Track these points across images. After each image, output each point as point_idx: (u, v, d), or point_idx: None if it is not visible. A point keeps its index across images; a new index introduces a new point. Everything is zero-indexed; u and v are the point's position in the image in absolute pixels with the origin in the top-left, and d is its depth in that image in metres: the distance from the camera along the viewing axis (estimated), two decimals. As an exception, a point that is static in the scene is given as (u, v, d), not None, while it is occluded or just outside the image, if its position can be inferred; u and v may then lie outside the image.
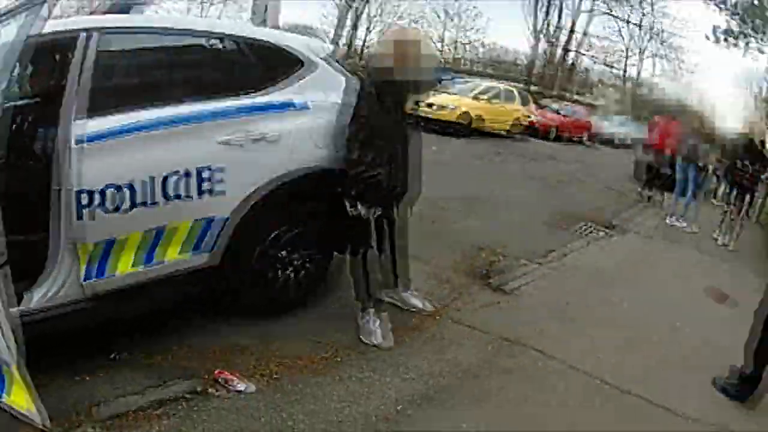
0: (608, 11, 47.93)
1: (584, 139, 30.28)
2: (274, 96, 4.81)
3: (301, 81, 4.98)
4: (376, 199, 4.93)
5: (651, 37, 49.64)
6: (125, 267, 4.17)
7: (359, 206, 4.87)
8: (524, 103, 26.41)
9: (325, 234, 5.26)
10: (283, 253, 5.02)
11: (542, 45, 47.05)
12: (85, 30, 4.04)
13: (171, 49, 4.72)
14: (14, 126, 4.51)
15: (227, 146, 4.46)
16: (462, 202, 10.54)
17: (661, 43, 49.04)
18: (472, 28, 49.29)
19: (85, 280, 3.99)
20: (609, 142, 32.46)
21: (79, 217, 3.85)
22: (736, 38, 16.91)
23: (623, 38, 50.45)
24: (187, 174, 4.25)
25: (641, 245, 10.59)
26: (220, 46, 4.79)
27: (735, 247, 11.55)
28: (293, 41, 5.17)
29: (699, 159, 12.40)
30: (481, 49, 51.74)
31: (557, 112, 29.86)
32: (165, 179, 4.15)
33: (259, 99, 4.72)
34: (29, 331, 3.36)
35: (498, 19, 65.79)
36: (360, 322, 5.12)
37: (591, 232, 10.42)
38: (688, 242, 11.46)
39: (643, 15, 48.01)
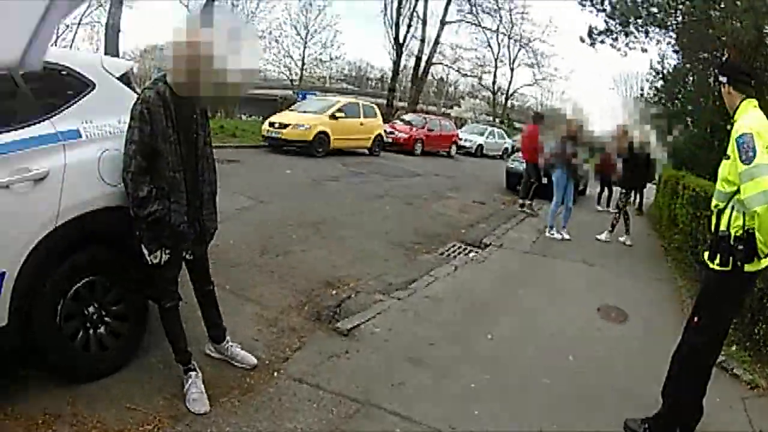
0: (476, 22, 48.43)
1: (451, 152, 29.93)
2: (49, 126, 4.15)
3: (85, 105, 4.42)
4: (160, 241, 4.19)
5: (521, 47, 50.74)
6: None
7: (143, 250, 4.20)
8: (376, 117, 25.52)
9: (126, 284, 4.63)
10: (78, 307, 4.36)
11: (404, 59, 46.31)
12: None
13: None
14: None
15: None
16: (311, 228, 9.58)
17: (530, 52, 50.30)
18: (332, 45, 48.48)
19: None
20: (477, 153, 32.54)
21: None
22: (615, 39, 16.45)
23: (491, 48, 51.30)
24: None
25: (518, 264, 9.55)
26: None
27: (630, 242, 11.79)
28: (79, 60, 4.65)
29: (567, 165, 11.84)
30: (346, 67, 51.69)
31: (415, 125, 29.02)
32: None
33: (33, 130, 4.06)
34: None
35: (362, 35, 66.58)
36: (184, 385, 4.45)
37: (460, 254, 9.46)
38: (572, 254, 10.64)
39: (512, 25, 48.98)
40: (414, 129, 27.93)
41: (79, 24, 42.00)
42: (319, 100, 24.79)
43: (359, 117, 22.56)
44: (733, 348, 5.89)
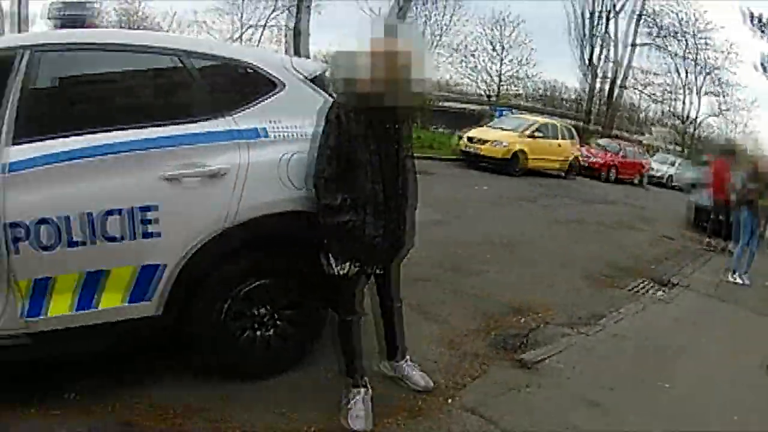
0: (663, 45, 46.91)
1: (638, 180, 29.30)
2: (228, 122, 4.22)
3: (272, 105, 4.40)
4: (350, 254, 4.05)
5: (706, 74, 48.62)
6: (61, 309, 3.88)
7: (330, 260, 4.06)
8: (574, 140, 25.33)
9: (305, 290, 4.55)
10: (246, 309, 4.41)
11: (590, 80, 45.84)
12: (21, 48, 3.90)
13: (111, 66, 4.27)
14: None
15: (168, 182, 3.97)
16: (502, 249, 9.52)
17: (714, 80, 48.06)
18: (528, 62, 48.12)
19: (22, 316, 3.82)
20: (662, 183, 31.57)
21: (9, 251, 3.69)
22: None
23: (679, 74, 49.40)
24: (123, 212, 3.86)
25: (704, 308, 8.98)
26: (171, 63, 4.24)
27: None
28: (266, 59, 4.63)
29: (753, 203, 11.01)
30: (541, 87, 51.14)
31: (610, 150, 28.69)
32: (98, 217, 3.82)
33: (207, 125, 4.16)
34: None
35: (547, 53, 65.61)
36: (342, 399, 4.27)
37: (648, 291, 9.08)
38: (758, 302, 9.83)
39: (698, 49, 47.04)
40: (609, 155, 27.49)
41: (264, 26, 43.62)
42: (516, 118, 24.93)
43: (557, 138, 22.47)
44: None
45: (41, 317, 3.83)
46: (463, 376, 5.08)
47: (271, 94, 4.39)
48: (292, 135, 4.35)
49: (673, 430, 4.85)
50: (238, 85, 4.49)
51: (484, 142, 20.19)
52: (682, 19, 46.72)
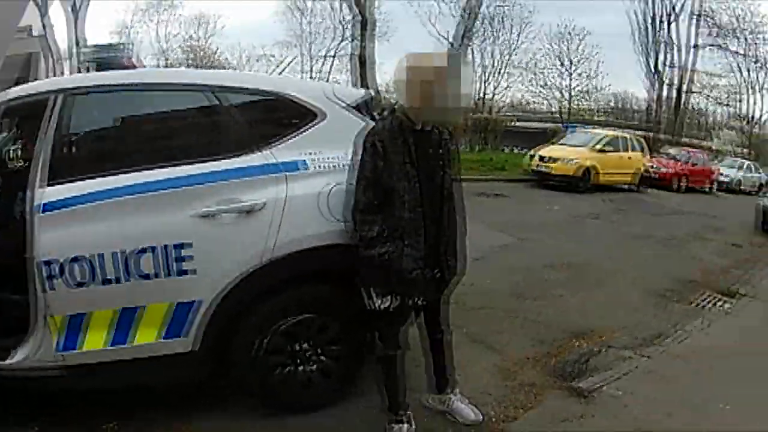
0: (723, 44, 45.66)
1: (709, 188, 28.66)
2: (266, 156, 4.17)
3: (312, 136, 4.30)
4: (389, 287, 3.87)
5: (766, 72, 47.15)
6: (96, 344, 3.96)
7: (370, 294, 3.92)
8: (644, 151, 25.00)
9: (348, 325, 4.40)
10: (286, 344, 4.32)
11: (657, 87, 45.30)
12: (54, 92, 4.02)
13: (143, 106, 4.40)
14: None
15: (202, 219, 3.97)
16: (567, 271, 9.25)
17: None
18: (595, 76, 47.77)
19: (58, 350, 3.90)
20: (731, 189, 30.77)
21: (44, 288, 3.79)
22: None
23: (741, 73, 48.09)
24: (156, 250, 3.90)
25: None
26: (205, 99, 4.28)
27: None
28: (304, 89, 4.55)
29: None
30: (612, 99, 50.23)
31: (679, 159, 28.13)
32: (131, 255, 3.87)
33: (245, 160, 4.12)
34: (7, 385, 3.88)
35: (614, 64, 64.55)
36: None
37: (713, 304, 8.70)
38: None
39: (756, 45, 45.90)
40: (678, 164, 27.00)
41: (334, 57, 44.26)
42: (586, 133, 24.62)
43: (626, 151, 22.24)
44: None
45: (76, 351, 3.92)
46: (515, 408, 4.85)
47: (311, 124, 4.31)
48: (334, 165, 4.24)
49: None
50: (276, 117, 4.44)
51: (555, 160, 20.08)
52: (739, 15, 45.81)
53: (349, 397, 4.63)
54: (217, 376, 4.30)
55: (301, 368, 4.36)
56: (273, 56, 45.52)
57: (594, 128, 30.33)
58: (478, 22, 41.08)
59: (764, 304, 9.14)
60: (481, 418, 4.51)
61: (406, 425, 4.12)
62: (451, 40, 39.62)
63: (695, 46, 45.77)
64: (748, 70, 48.99)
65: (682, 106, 46.43)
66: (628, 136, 24.81)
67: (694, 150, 32.57)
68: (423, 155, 3.90)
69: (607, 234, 13.53)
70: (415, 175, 3.85)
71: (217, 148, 4.16)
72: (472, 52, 43.23)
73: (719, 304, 8.79)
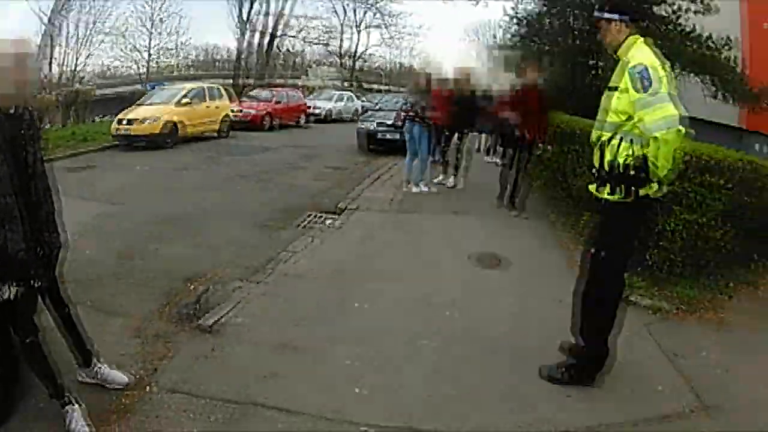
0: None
1: (301, 121, 29.45)
2: None
3: None
4: (5, 276, 3.62)
5: (366, 9, 50.05)
6: None
7: None
8: (231, 98, 24.97)
9: None
10: None
11: (248, 36, 45.49)
12: None
13: None
14: None
15: None
16: (167, 225, 9.05)
17: (377, 13, 49.72)
18: (178, 32, 46.53)
19: None
20: (328, 119, 32.31)
21: None
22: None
23: (337, 15, 50.44)
24: None
25: (380, 225, 9.21)
26: None
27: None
28: None
29: (417, 117, 11.53)
30: (193, 52, 49.81)
31: (264, 99, 28.35)
32: None
33: None
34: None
35: (207, 16, 64.79)
36: (65, 423, 3.93)
37: (317, 223, 9.23)
38: (433, 207, 10.50)
39: None
40: (262, 104, 27.08)
41: None
42: (167, 89, 23.66)
43: (213, 100, 21.90)
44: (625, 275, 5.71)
45: None
46: (152, 361, 4.84)
47: None
48: None
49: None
50: None
51: (133, 121, 18.75)
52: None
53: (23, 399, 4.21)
54: None
55: None
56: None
57: (175, 84, 29.67)
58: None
59: (367, 212, 9.97)
60: (126, 379, 4.52)
61: (75, 406, 3.98)
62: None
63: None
64: (345, 10, 51.30)
65: (274, 50, 47.10)
66: (214, 86, 24.46)
67: (280, 89, 33.12)
68: (8, 139, 3.65)
69: (200, 182, 13.32)
70: (3, 159, 3.59)
71: None
72: (67, 25, 39.88)
73: (322, 221, 9.37)
